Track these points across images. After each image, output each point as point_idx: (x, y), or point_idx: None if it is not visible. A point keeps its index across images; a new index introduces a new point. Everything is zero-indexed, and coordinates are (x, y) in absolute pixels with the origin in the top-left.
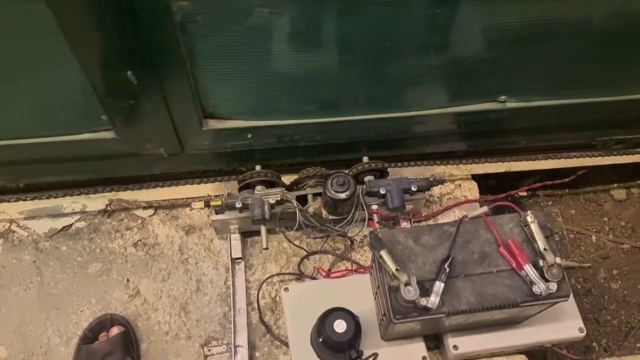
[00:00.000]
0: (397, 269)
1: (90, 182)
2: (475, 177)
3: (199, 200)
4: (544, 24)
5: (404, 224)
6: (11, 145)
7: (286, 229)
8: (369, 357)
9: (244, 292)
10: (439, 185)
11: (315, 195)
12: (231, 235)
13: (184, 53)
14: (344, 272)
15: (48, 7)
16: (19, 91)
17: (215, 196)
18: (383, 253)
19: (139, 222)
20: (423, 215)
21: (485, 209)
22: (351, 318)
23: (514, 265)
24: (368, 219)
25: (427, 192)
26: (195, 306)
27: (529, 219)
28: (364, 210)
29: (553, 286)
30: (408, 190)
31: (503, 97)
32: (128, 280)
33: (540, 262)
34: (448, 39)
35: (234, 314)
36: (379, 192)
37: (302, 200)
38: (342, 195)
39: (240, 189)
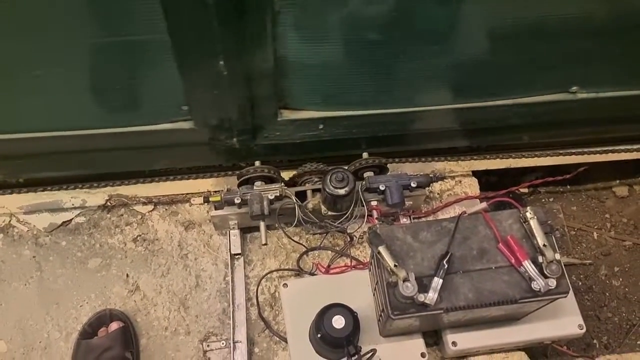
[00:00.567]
0: (395, 265)
1: (90, 177)
2: (475, 174)
3: (198, 196)
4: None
5: (404, 220)
6: (92, 135)
7: (285, 224)
8: (368, 353)
9: (243, 287)
10: (439, 182)
11: (314, 191)
12: (230, 231)
13: (274, 43)
14: (343, 268)
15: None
16: (109, 81)
17: (215, 192)
18: (381, 249)
19: (138, 217)
20: (423, 211)
21: (484, 204)
22: (350, 314)
23: (513, 261)
24: (367, 215)
25: (427, 189)
26: (195, 302)
27: (528, 215)
28: (363, 206)
29: (552, 282)
30: (408, 187)
31: (575, 87)
32: (127, 275)
33: (540, 259)
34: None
35: (233, 310)
36: (378, 188)
37: (302, 196)
38: (341, 192)
39: (239, 185)
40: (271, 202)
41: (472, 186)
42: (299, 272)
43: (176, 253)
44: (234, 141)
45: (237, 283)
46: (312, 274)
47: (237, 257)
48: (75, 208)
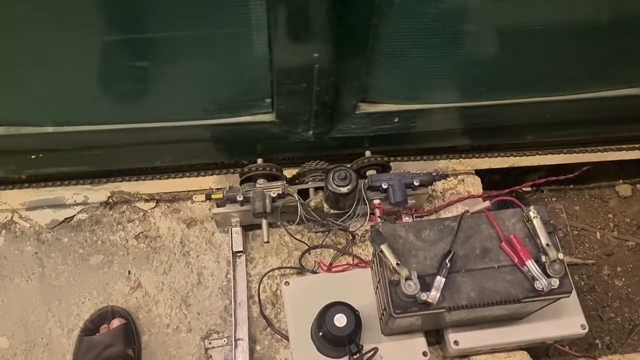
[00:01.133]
0: (397, 264)
1: (92, 173)
2: (479, 173)
3: (201, 193)
4: None
5: (406, 219)
6: (184, 127)
7: (287, 222)
8: (369, 351)
9: (244, 285)
10: (442, 180)
11: (316, 189)
12: (232, 229)
13: (369, 37)
14: (345, 266)
15: None
16: (200, 73)
17: (217, 189)
18: (383, 247)
19: (140, 214)
20: (425, 210)
21: (487, 203)
22: (351, 312)
23: (515, 260)
24: (370, 214)
25: (429, 187)
26: (196, 299)
27: (531, 214)
28: (365, 204)
29: (555, 282)
30: (410, 185)
31: None
32: (129, 272)
33: (543, 258)
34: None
35: (235, 307)
36: (380, 186)
37: (304, 194)
38: (344, 190)
39: (241, 182)
40: (273, 199)
41: (475, 185)
42: (301, 270)
43: (178, 250)
44: (309, 134)
45: (239, 281)
46: (314, 272)
47: (239, 254)
48: (77, 204)
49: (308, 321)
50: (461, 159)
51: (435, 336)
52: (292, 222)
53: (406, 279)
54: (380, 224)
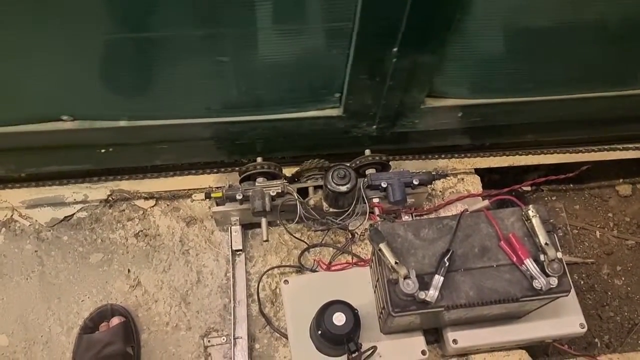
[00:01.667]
0: (396, 262)
1: (92, 172)
2: (478, 172)
3: (200, 192)
4: None
5: (405, 218)
6: (255, 121)
7: (287, 221)
8: (368, 350)
9: (244, 284)
10: (442, 179)
11: (316, 187)
12: (232, 227)
13: (449, 32)
14: (345, 265)
15: None
16: (274, 66)
17: (216, 188)
18: (382, 246)
19: (140, 212)
20: (425, 209)
21: (486, 202)
22: (350, 311)
23: (514, 259)
24: (369, 212)
25: (429, 186)
26: (196, 297)
27: (530, 213)
28: (365, 203)
29: (554, 281)
30: (410, 184)
31: None
32: (129, 270)
33: (541, 257)
34: None
35: (234, 306)
36: (380, 185)
37: (303, 192)
38: (343, 188)
39: (241, 181)
40: (273, 198)
41: (474, 184)
42: (300, 268)
43: (177, 249)
44: (373, 129)
45: (238, 279)
46: (313, 271)
47: (238, 253)
48: (77, 203)
49: (307, 320)
50: (461, 158)
51: (434, 335)
52: (291, 220)
53: (405, 278)
54: (379, 222)
